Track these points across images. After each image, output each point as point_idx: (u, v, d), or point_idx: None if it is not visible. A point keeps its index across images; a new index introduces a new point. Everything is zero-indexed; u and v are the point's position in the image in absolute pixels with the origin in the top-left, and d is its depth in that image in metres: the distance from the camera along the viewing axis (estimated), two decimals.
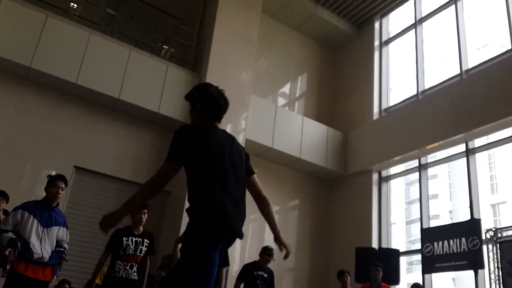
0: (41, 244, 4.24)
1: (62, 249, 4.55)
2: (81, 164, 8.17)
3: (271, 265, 6.37)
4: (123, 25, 9.46)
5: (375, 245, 9.44)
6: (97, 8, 9.39)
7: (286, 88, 11.55)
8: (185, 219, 8.26)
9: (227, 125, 9.29)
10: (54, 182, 4.49)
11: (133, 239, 4.99)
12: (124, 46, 8.74)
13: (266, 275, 6.13)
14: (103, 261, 5.05)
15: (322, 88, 12.02)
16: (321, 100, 11.87)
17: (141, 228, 5.16)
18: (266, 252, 6.25)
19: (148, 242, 5.11)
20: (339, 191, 11.00)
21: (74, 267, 6.91)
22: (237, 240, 9.17)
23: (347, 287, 7.17)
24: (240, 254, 9.19)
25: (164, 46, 10.06)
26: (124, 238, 4.94)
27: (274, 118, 10.11)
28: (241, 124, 9.51)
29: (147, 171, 8.79)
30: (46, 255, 4.26)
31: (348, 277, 7.27)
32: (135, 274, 4.91)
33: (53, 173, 7.81)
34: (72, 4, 9.43)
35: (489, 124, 8.14)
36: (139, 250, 4.99)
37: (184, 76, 9.32)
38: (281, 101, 11.34)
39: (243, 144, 9.32)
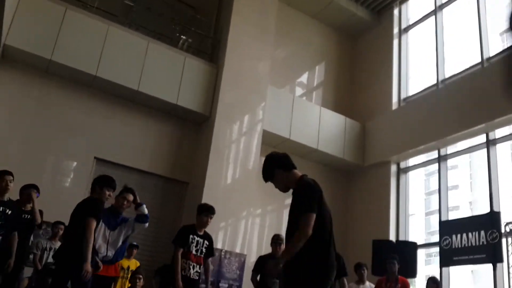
0: (108, 245, 4.62)
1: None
2: (101, 155, 8.30)
3: None
4: (141, 16, 9.48)
5: (392, 237, 9.40)
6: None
7: (303, 78, 11.47)
8: None
9: (244, 115, 9.33)
10: (124, 193, 4.94)
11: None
12: (142, 37, 8.79)
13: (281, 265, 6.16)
14: None
15: (340, 78, 11.91)
16: (339, 90, 11.77)
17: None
18: (274, 239, 6.33)
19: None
20: (357, 182, 10.95)
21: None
22: (255, 231, 9.17)
23: (364, 280, 7.19)
24: (257, 245, 9.28)
25: (181, 36, 10.06)
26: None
27: (291, 108, 10.08)
28: (258, 115, 9.51)
29: (166, 163, 8.92)
30: (111, 254, 4.62)
31: (366, 270, 7.28)
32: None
33: (74, 164, 8.05)
34: None
35: (510, 114, 7.97)
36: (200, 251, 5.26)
37: (201, 67, 9.35)
38: (299, 91, 11.28)
39: (260, 135, 9.38)
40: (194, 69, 9.20)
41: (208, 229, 8.02)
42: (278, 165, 3.27)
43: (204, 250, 5.30)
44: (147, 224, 5.01)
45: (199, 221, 5.39)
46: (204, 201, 8.21)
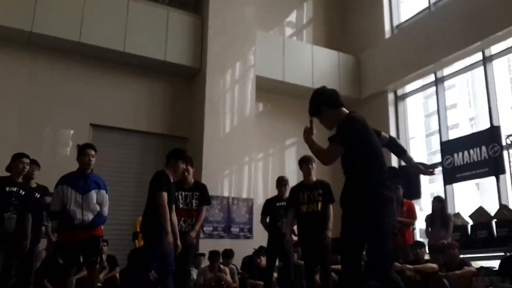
0: (82, 210, 4.48)
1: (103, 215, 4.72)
2: (97, 121, 8.33)
3: None
4: None
5: (395, 163, 9.49)
6: None
7: (292, 17, 11.21)
8: (205, 164, 8.37)
9: (235, 63, 9.24)
10: (83, 151, 4.68)
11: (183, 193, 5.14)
12: None
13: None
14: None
15: (329, 12, 11.62)
16: (329, 25, 11.52)
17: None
18: (279, 181, 6.41)
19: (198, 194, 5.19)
20: None
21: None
22: (259, 175, 9.11)
23: None
24: (263, 188, 9.43)
25: None
26: None
27: (282, 50, 9.93)
28: (249, 61, 9.40)
29: (163, 121, 8.95)
30: (87, 218, 4.50)
31: None
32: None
33: (71, 133, 8.10)
34: None
35: (506, 29, 7.79)
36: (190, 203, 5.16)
37: (186, 19, 9.18)
38: (288, 31, 11.06)
39: (253, 81, 9.31)
40: (179, 22, 9.03)
41: (213, 178, 8.20)
42: (325, 102, 3.18)
43: (194, 202, 5.19)
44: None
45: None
46: (205, 153, 8.35)
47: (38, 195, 5.44)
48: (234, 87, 9.16)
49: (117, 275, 6.72)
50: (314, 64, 10.23)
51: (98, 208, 4.58)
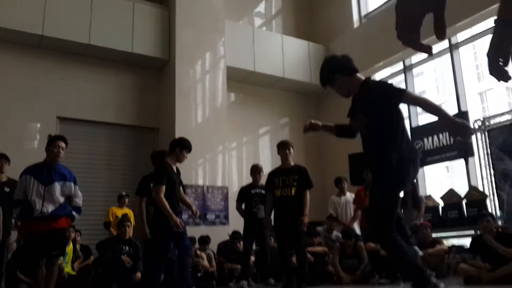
0: (43, 201, 4.34)
1: (75, 207, 4.59)
2: (64, 114, 8.10)
3: None
4: None
5: None
6: None
7: (261, 8, 11.18)
8: None
9: (205, 54, 9.14)
10: (54, 142, 4.55)
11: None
12: None
13: (263, 192, 6.25)
14: None
15: (298, 2, 11.64)
16: (298, 15, 11.54)
17: None
18: (253, 169, 6.41)
19: None
20: (327, 103, 10.98)
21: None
22: (233, 164, 9.14)
23: (345, 192, 7.44)
24: (238, 176, 9.39)
25: None
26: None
27: (252, 40, 9.89)
28: (219, 52, 9.32)
29: (132, 112, 8.79)
30: (46, 210, 4.34)
31: (345, 183, 7.51)
32: None
33: (38, 126, 7.86)
34: None
35: (471, 17, 7.96)
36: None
37: (152, 10, 9.01)
38: (258, 21, 11.03)
39: (224, 72, 9.24)
40: (145, 13, 8.85)
41: (187, 168, 8.13)
42: (339, 70, 3.02)
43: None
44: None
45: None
46: None
47: (8, 189, 5.29)
48: (205, 78, 9.07)
49: (91, 264, 6.61)
50: (284, 53, 10.23)
51: (61, 200, 4.44)
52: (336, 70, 3.02)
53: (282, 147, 5.41)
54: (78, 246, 6.67)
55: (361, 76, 3.03)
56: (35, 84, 7.91)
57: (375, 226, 2.83)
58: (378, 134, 2.91)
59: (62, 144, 4.55)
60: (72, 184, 4.57)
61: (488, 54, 1.08)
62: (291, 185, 5.20)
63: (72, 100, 8.18)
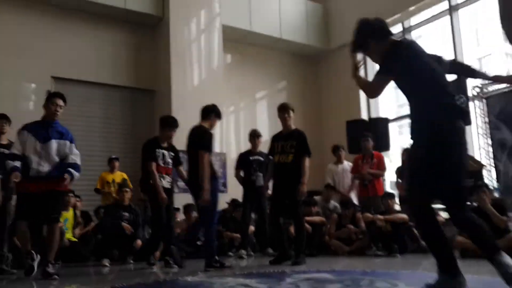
0: (40, 159, 4.28)
1: (72, 164, 4.47)
2: (58, 73, 7.89)
3: None
4: None
5: (365, 116, 9.59)
6: None
7: None
8: (175, 114, 8.21)
9: (200, 12, 8.87)
10: (51, 99, 4.46)
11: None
12: None
13: (262, 159, 6.23)
14: None
15: None
16: None
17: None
18: (252, 134, 6.36)
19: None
20: (325, 67, 10.88)
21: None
22: (231, 129, 8.99)
23: (342, 161, 7.45)
24: (236, 142, 9.33)
25: None
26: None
27: None
28: (215, 9, 9.03)
29: (128, 73, 8.60)
30: (43, 169, 4.28)
31: (343, 151, 7.51)
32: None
33: (32, 86, 7.68)
34: None
35: None
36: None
37: None
38: None
39: (220, 31, 8.98)
40: None
41: (185, 132, 8.03)
42: (373, 36, 2.84)
43: (170, 161, 5.21)
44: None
45: (162, 135, 5.22)
46: (174, 106, 8.12)
47: (8, 152, 5.18)
48: (200, 37, 8.83)
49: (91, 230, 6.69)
50: (281, 13, 9.97)
51: (57, 160, 4.36)
52: (368, 36, 2.86)
53: (282, 110, 5.26)
54: (78, 212, 6.67)
55: (395, 39, 2.85)
56: (29, 42, 7.66)
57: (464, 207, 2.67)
58: (408, 99, 2.81)
59: (60, 102, 4.46)
60: (68, 142, 4.49)
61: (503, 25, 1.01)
62: (289, 152, 5.06)
63: (66, 59, 7.94)
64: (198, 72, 8.69)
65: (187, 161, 4.91)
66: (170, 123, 5.24)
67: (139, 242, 5.89)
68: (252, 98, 9.90)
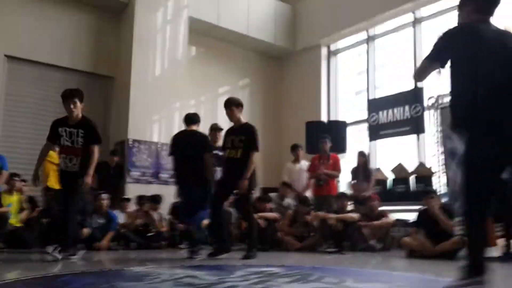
0: None
1: None
2: (12, 52, 7.56)
3: None
4: None
5: (324, 118, 9.72)
6: None
7: None
8: (132, 107, 8.09)
9: (168, 1, 8.73)
10: None
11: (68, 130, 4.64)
12: None
13: (221, 153, 6.18)
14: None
15: None
16: None
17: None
18: (212, 128, 6.29)
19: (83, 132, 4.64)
20: (289, 68, 10.95)
21: (24, 160, 6.75)
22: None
23: (299, 159, 7.52)
24: None
25: None
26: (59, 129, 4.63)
27: None
28: (182, 1, 8.91)
29: (87, 58, 8.35)
30: None
31: (301, 150, 7.59)
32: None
33: None
34: None
35: None
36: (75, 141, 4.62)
37: None
38: None
39: (186, 23, 8.87)
40: None
41: (140, 122, 7.91)
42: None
43: (80, 140, 4.61)
44: None
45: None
46: (132, 95, 7.96)
47: None
48: (166, 28, 8.69)
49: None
50: (249, 10, 9.95)
51: None
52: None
53: (225, 107, 5.14)
54: (24, 197, 6.39)
55: (480, 17, 2.61)
56: None
57: None
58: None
59: None
60: None
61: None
62: (238, 147, 4.94)
63: (23, 38, 7.62)
64: (160, 62, 8.54)
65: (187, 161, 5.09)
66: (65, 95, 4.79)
67: (85, 230, 5.74)
68: (214, 93, 9.83)
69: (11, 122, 7.43)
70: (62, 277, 3.20)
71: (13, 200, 6.03)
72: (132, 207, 6.95)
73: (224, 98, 9.96)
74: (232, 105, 5.11)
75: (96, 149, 4.61)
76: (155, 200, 6.91)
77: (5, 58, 7.49)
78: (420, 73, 2.74)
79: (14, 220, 6.03)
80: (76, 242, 4.74)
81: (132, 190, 7.45)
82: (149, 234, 6.33)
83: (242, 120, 5.13)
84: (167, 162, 8.02)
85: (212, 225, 5.25)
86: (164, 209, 6.94)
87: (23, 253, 5.31)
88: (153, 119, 8.23)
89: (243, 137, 4.94)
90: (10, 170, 6.18)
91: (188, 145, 5.07)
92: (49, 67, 7.92)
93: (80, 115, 4.71)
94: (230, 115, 5.11)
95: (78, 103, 4.71)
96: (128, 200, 7.04)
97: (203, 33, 9.50)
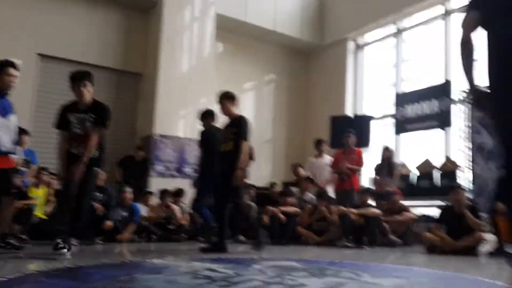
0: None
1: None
2: (44, 51, 7.81)
3: None
4: None
5: (350, 113, 9.64)
6: None
7: None
8: (159, 102, 8.21)
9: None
10: (4, 70, 4.16)
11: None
12: None
13: None
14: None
15: None
16: None
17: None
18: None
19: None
20: (315, 63, 10.90)
21: (55, 154, 6.96)
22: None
23: (322, 155, 7.50)
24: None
25: None
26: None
27: None
28: None
29: (116, 55, 8.54)
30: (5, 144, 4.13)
31: (325, 145, 7.57)
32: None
33: (17, 63, 7.55)
34: None
35: None
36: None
37: None
38: None
39: (214, 20, 8.95)
40: None
41: (166, 117, 8.02)
42: None
43: (89, 124, 4.22)
44: None
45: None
46: (160, 91, 8.11)
47: None
48: (193, 25, 8.80)
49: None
50: (277, 5, 9.95)
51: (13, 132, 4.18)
52: None
53: (218, 101, 5.10)
54: (51, 191, 6.40)
55: None
56: (15, 16, 7.54)
57: None
58: None
59: (15, 72, 4.19)
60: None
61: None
62: (230, 139, 4.87)
63: (54, 37, 7.86)
64: (188, 59, 8.66)
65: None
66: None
67: (108, 223, 5.91)
68: (240, 88, 9.89)
69: (43, 118, 7.69)
70: (83, 269, 3.29)
71: (39, 193, 6.17)
72: (154, 200, 7.09)
73: (250, 94, 10.24)
74: (223, 99, 5.05)
75: (96, 133, 4.19)
76: (177, 194, 7.06)
77: (38, 57, 7.75)
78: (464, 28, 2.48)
79: (40, 213, 6.17)
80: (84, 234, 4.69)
81: (156, 184, 7.61)
82: (170, 227, 6.45)
83: (235, 113, 5.05)
84: (191, 157, 8.15)
85: (214, 221, 5.21)
86: (185, 202, 7.06)
87: (47, 245, 5.46)
88: (180, 115, 8.37)
89: (235, 129, 4.89)
90: (42, 165, 6.43)
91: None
92: (79, 65, 8.08)
93: (91, 99, 4.30)
94: (222, 109, 5.05)
95: (89, 86, 4.30)
96: (150, 193, 7.16)
97: (230, 30, 9.57)
